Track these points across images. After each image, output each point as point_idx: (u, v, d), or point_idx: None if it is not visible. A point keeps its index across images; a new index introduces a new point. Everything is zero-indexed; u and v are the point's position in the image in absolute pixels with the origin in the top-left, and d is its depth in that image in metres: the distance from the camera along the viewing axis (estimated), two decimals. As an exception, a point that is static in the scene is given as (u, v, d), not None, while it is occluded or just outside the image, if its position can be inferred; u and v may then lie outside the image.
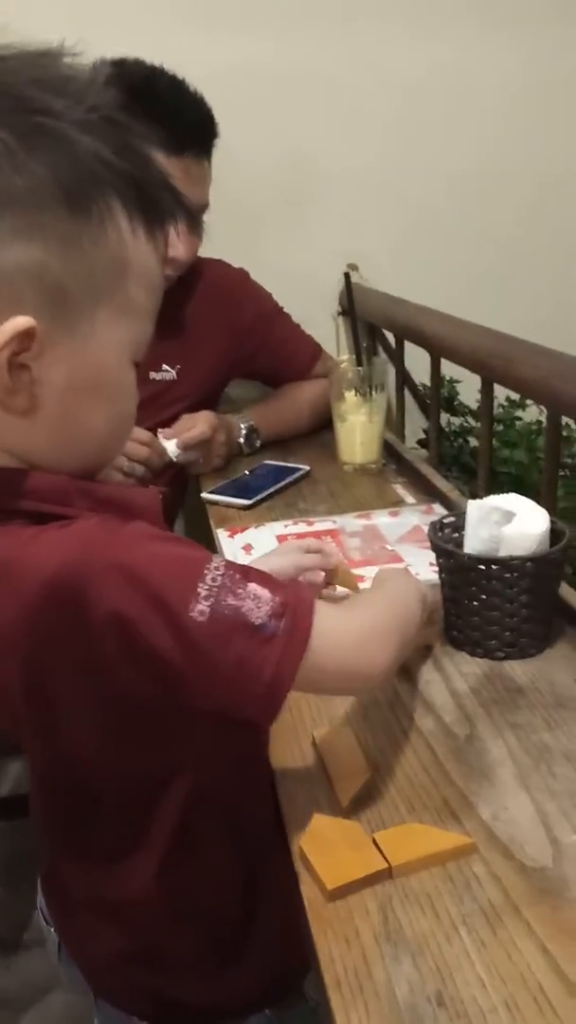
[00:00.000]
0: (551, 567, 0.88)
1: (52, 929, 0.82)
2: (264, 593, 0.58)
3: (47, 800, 0.73)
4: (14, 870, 1.62)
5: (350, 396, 1.43)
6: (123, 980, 0.77)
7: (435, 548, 0.91)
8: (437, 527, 0.94)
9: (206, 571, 0.57)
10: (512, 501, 0.93)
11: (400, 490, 1.38)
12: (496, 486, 1.29)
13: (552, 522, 0.89)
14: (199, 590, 0.56)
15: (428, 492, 1.34)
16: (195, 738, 0.64)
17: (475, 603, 0.88)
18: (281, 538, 1.20)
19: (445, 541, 0.93)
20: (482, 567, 0.86)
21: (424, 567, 1.08)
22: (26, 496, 0.59)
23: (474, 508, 0.94)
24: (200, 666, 0.57)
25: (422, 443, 1.71)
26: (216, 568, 0.58)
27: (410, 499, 1.34)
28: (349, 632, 0.65)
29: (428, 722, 0.80)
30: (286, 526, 1.24)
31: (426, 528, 1.20)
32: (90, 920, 0.76)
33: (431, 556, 1.09)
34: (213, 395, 1.57)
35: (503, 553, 0.87)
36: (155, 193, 0.60)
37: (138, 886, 0.71)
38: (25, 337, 0.55)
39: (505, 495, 0.96)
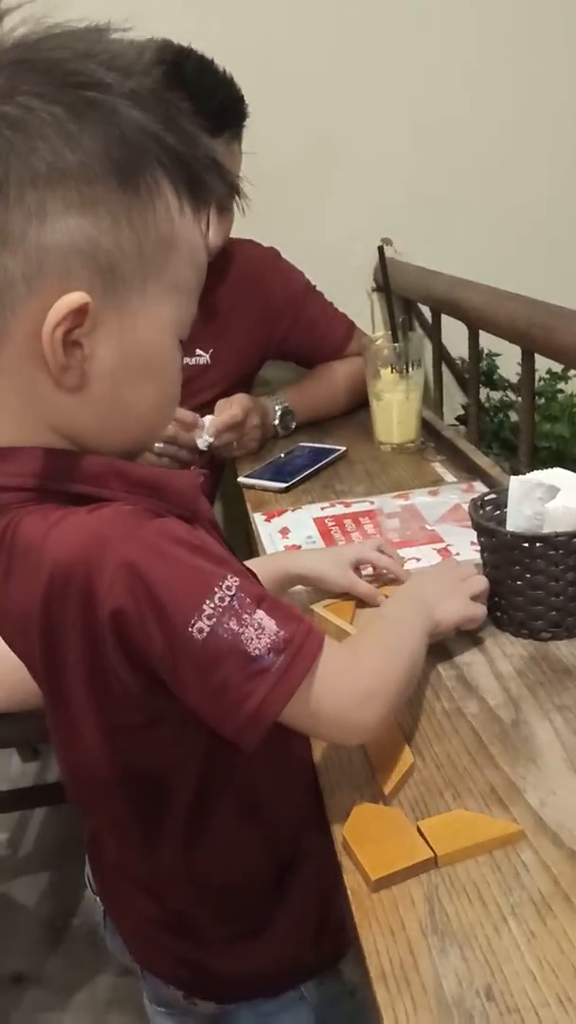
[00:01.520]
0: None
1: (97, 898, 0.83)
2: (270, 624, 0.57)
3: (67, 774, 0.73)
4: (63, 854, 1.65)
5: (386, 374, 1.40)
6: (157, 947, 0.77)
7: (477, 527, 0.89)
8: (478, 505, 0.91)
9: (216, 589, 0.56)
10: (556, 476, 0.90)
11: (439, 468, 1.35)
12: (537, 462, 1.25)
13: (598, 497, 0.85)
14: (204, 607, 0.55)
15: (468, 470, 1.31)
16: (199, 735, 0.63)
17: (519, 582, 0.85)
18: (318, 521, 1.19)
19: (487, 519, 0.90)
20: (526, 545, 0.83)
21: (465, 546, 1.06)
22: (63, 477, 0.58)
23: (517, 484, 0.91)
24: (187, 680, 0.57)
25: (461, 420, 1.67)
26: (228, 588, 0.56)
27: (450, 477, 1.31)
28: (355, 686, 0.63)
29: (472, 706, 0.78)
30: (323, 508, 1.23)
31: (467, 507, 1.17)
32: (124, 886, 0.77)
33: (472, 535, 1.06)
34: (247, 377, 1.55)
35: (547, 530, 0.84)
36: (201, 171, 0.59)
37: (162, 862, 0.71)
38: (79, 313, 0.54)
39: (549, 470, 0.93)
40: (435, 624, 0.79)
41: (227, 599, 0.56)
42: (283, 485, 1.32)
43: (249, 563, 0.96)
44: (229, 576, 0.57)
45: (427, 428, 1.47)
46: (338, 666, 0.61)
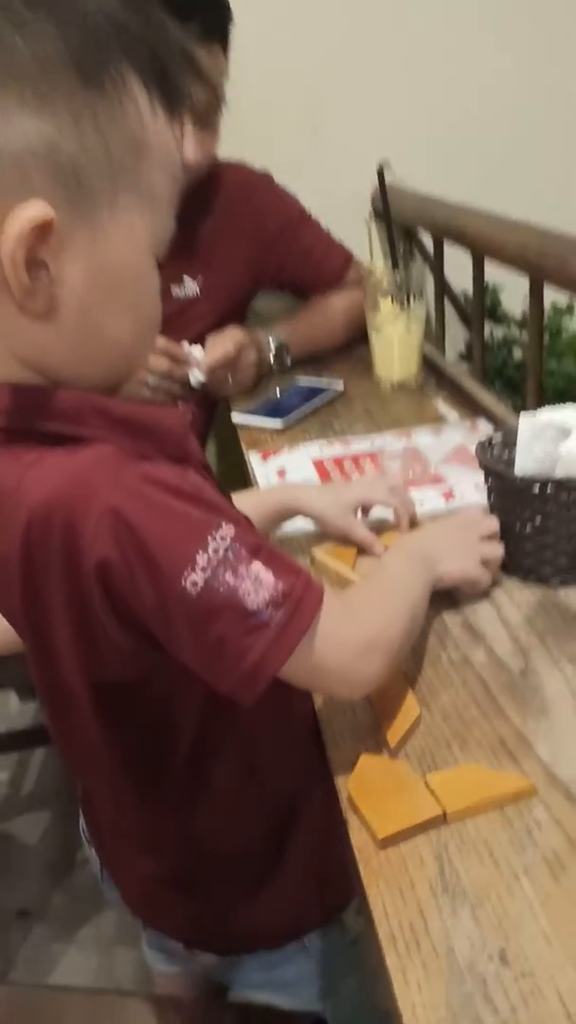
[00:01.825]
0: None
1: (93, 850, 0.82)
2: (267, 577, 0.54)
3: (56, 733, 0.70)
4: (64, 793, 1.65)
5: (386, 305, 1.34)
6: (156, 904, 0.76)
7: (485, 470, 0.85)
8: (486, 446, 0.87)
9: (210, 539, 0.52)
10: (569, 414, 0.86)
11: (442, 406, 1.30)
12: (542, 400, 1.21)
13: (613, 437, 0.81)
14: (198, 559, 0.52)
15: (472, 408, 1.27)
16: (195, 691, 0.60)
17: (529, 527, 0.82)
18: (316, 462, 1.14)
19: (495, 461, 0.86)
20: (537, 490, 0.79)
21: (470, 489, 1.02)
22: (35, 414, 0.53)
23: (526, 424, 0.86)
24: (180, 635, 0.54)
25: (464, 356, 1.61)
26: (222, 538, 0.53)
27: (453, 416, 1.26)
28: (355, 639, 0.60)
29: (479, 654, 0.75)
30: (321, 448, 1.18)
31: (471, 447, 1.13)
32: (121, 846, 0.76)
33: (478, 477, 1.02)
34: (239, 310, 1.49)
35: (560, 473, 0.80)
36: (175, 67, 0.53)
37: (159, 823, 0.69)
38: (43, 230, 0.49)
39: (560, 407, 0.88)
40: (437, 579, 0.76)
41: (222, 550, 0.52)
42: (279, 423, 1.27)
43: (245, 495, 0.92)
44: (223, 525, 0.53)
45: (428, 364, 1.42)
46: (338, 619, 0.58)
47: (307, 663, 0.57)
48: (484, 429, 1.19)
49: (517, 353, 1.57)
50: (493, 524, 0.83)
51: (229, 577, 0.52)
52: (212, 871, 0.72)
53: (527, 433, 0.86)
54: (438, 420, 1.25)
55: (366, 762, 0.63)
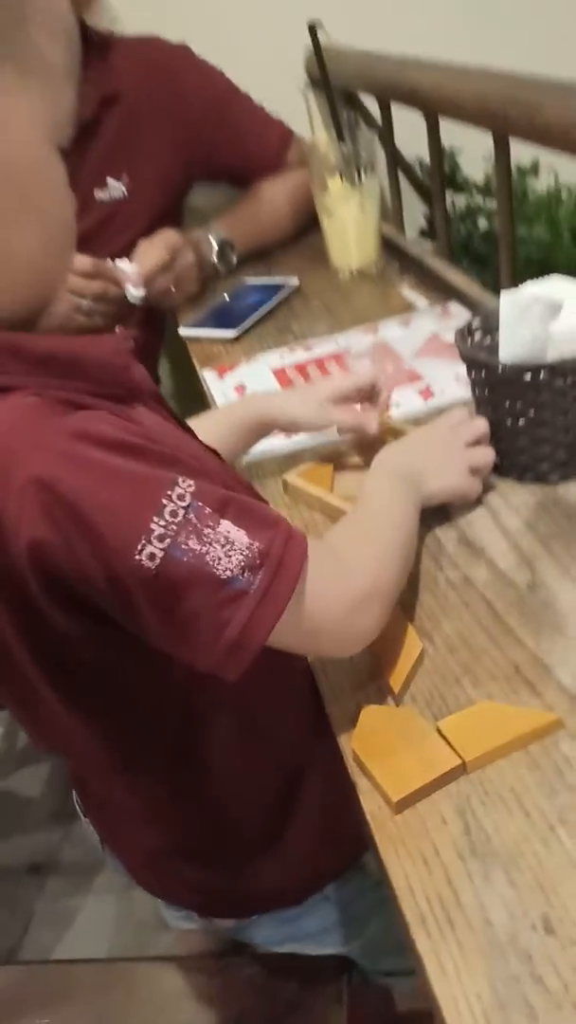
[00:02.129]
0: (610, 364, 0.71)
1: (88, 823, 0.77)
2: (239, 537, 0.45)
3: (25, 724, 0.63)
4: (58, 743, 1.60)
5: (335, 184, 1.21)
6: (164, 875, 0.71)
7: (467, 360, 0.75)
8: (465, 334, 0.77)
9: (166, 501, 0.44)
10: (555, 287, 0.75)
11: (408, 293, 1.19)
12: (516, 272, 1.09)
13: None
14: (153, 527, 0.43)
15: (441, 291, 1.15)
16: (171, 668, 0.52)
17: (521, 421, 0.73)
18: (278, 372, 1.04)
19: (477, 350, 0.76)
20: (528, 378, 0.70)
21: (450, 383, 0.92)
22: None
23: (509, 303, 0.76)
24: (142, 616, 0.45)
25: (424, 233, 1.48)
26: (180, 496, 0.44)
27: (421, 302, 1.15)
28: (348, 591, 0.53)
29: (480, 571, 0.68)
30: (282, 357, 1.07)
31: (446, 335, 1.03)
32: (119, 821, 0.70)
33: (457, 368, 0.92)
34: (173, 209, 1.34)
35: (552, 356, 0.71)
36: None
37: (156, 795, 0.64)
38: None
39: (544, 280, 0.78)
40: (425, 499, 0.68)
41: (181, 512, 0.43)
42: (233, 332, 1.16)
43: (207, 417, 0.82)
44: (181, 481, 0.44)
45: (388, 247, 1.29)
46: (326, 572, 0.50)
47: (297, 627, 0.49)
48: (458, 313, 1.08)
49: (483, 223, 1.43)
50: (479, 426, 0.74)
51: (193, 543, 0.44)
52: (218, 837, 0.66)
53: (510, 314, 0.76)
54: (406, 309, 1.14)
55: (369, 715, 0.56)
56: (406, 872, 0.48)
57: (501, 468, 0.77)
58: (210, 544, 0.44)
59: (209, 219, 1.33)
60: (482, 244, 1.39)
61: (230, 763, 0.62)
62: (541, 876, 0.46)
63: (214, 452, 0.61)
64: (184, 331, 1.19)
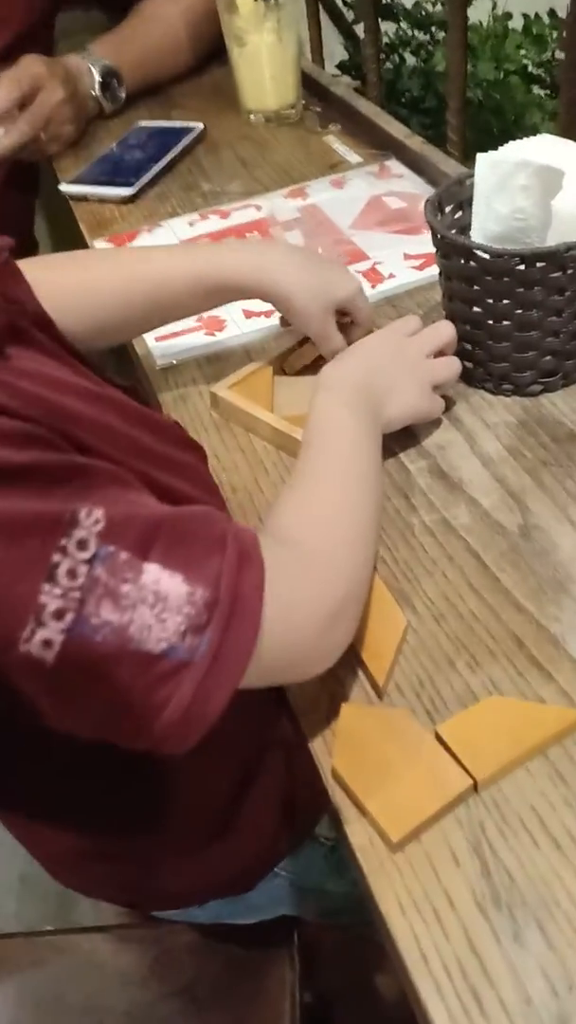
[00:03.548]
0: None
1: None
2: (175, 587, 0.32)
3: None
4: None
5: (245, 4, 0.97)
6: (87, 875, 0.62)
7: (442, 245, 0.60)
8: (435, 206, 0.62)
9: (59, 556, 0.30)
10: (544, 150, 0.61)
11: (336, 144, 1.00)
12: (465, 120, 0.92)
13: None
14: (43, 599, 0.30)
15: (375, 143, 0.97)
16: None
17: (506, 322, 0.60)
18: (188, 243, 0.85)
19: (448, 228, 0.61)
20: (521, 268, 0.56)
21: (397, 262, 0.77)
22: None
23: (486, 167, 0.61)
24: (44, 710, 0.33)
25: (346, 70, 1.26)
26: (82, 544, 0.30)
27: (353, 156, 0.97)
28: (319, 610, 0.40)
29: (460, 512, 0.56)
30: (192, 224, 0.88)
31: (389, 201, 0.87)
32: (30, 821, 0.58)
33: (405, 245, 0.78)
34: (36, 30, 1.06)
35: (553, 239, 0.57)
36: None
37: (73, 801, 0.53)
38: None
39: (528, 140, 0.63)
40: (384, 426, 0.55)
41: (84, 569, 0.30)
42: (128, 190, 0.95)
43: (160, 256, 0.62)
44: (83, 515, 0.31)
45: (309, 86, 1.08)
46: (290, 590, 0.38)
47: (260, 670, 0.37)
48: (399, 172, 0.91)
49: (411, 59, 1.23)
50: (444, 333, 0.60)
51: (108, 611, 0.30)
52: (152, 838, 0.56)
53: (487, 180, 0.61)
54: (335, 165, 0.96)
55: (351, 717, 0.45)
56: (416, 933, 0.38)
57: (472, 376, 0.64)
58: (132, 609, 0.31)
59: (87, 43, 1.07)
60: (414, 84, 1.19)
61: (177, 763, 0.50)
62: (583, 930, 0.37)
63: (129, 389, 0.46)
64: (66, 188, 0.97)
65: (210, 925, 0.71)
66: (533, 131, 1.10)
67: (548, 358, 0.61)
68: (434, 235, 0.60)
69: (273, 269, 0.59)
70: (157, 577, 0.32)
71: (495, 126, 1.00)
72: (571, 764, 0.42)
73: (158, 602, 0.31)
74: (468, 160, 0.89)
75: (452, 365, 0.60)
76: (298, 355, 0.67)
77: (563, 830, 0.40)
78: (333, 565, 0.42)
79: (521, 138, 0.64)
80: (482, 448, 0.60)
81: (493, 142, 0.63)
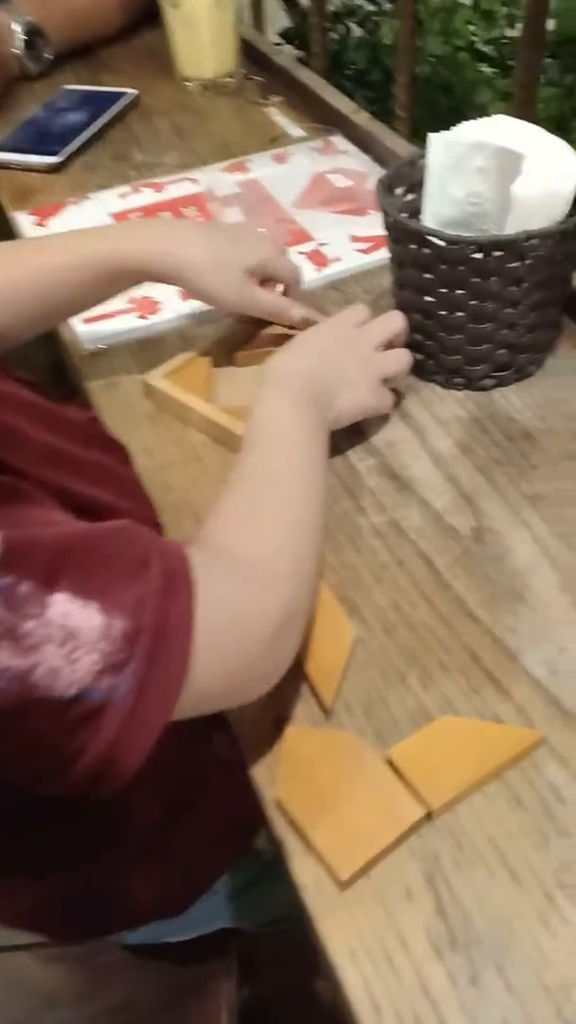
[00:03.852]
0: (573, 241, 0.56)
1: None
2: (88, 619, 0.28)
3: None
4: None
5: (183, -39, 0.92)
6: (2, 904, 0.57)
7: (395, 229, 0.56)
8: (386, 187, 0.58)
9: None
10: (501, 130, 0.58)
11: (278, 116, 0.95)
12: (413, 96, 0.89)
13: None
14: None
15: (320, 116, 0.93)
16: None
17: (459, 313, 0.56)
18: (119, 217, 0.80)
19: (396, 207, 0.58)
20: (478, 256, 0.53)
21: (343, 245, 0.74)
22: None
23: (441, 148, 0.58)
24: None
25: (287, 38, 1.21)
26: None
27: (296, 130, 0.92)
28: (262, 631, 0.36)
29: (411, 514, 0.53)
30: (124, 197, 0.83)
31: (333, 178, 0.83)
32: None
33: (351, 225, 0.75)
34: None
35: (513, 226, 0.54)
36: None
37: None
38: None
39: (483, 121, 0.60)
40: (331, 423, 0.52)
41: None
42: (53, 159, 0.88)
43: (51, 245, 0.57)
44: None
45: (249, 54, 1.03)
46: (225, 608, 0.34)
47: (194, 698, 0.33)
48: (344, 149, 0.87)
49: (357, 30, 1.18)
50: (394, 324, 0.57)
51: (7, 656, 0.27)
52: (79, 868, 0.52)
53: (441, 160, 0.58)
54: (277, 139, 0.91)
55: (295, 741, 0.42)
56: (366, 978, 0.35)
57: (423, 369, 0.61)
58: (37, 650, 0.27)
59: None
60: (359, 56, 1.15)
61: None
62: (545, 972, 0.35)
63: (36, 384, 0.41)
64: (-14, 154, 0.90)
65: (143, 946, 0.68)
66: (483, 111, 1.08)
67: (502, 351, 0.59)
68: (386, 219, 0.56)
69: (174, 248, 0.55)
70: (66, 610, 0.28)
71: (443, 104, 0.97)
72: (529, 788, 0.40)
73: (68, 639, 0.27)
74: (416, 139, 0.86)
75: (402, 358, 0.57)
76: (251, 355, 0.63)
77: (522, 860, 0.38)
78: (275, 578, 0.38)
79: (472, 118, 0.61)
80: (433, 445, 0.57)
81: (441, 121, 0.60)
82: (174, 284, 0.58)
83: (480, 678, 0.45)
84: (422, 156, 0.59)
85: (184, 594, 0.32)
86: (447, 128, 0.59)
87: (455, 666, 0.45)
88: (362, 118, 0.88)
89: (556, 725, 0.42)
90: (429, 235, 0.53)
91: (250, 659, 0.36)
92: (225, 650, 0.34)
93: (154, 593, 0.30)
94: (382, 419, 0.59)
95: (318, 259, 0.72)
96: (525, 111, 0.70)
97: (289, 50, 1.17)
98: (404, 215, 0.58)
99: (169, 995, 0.69)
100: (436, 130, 0.58)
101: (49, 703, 0.28)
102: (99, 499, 0.43)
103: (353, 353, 0.54)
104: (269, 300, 0.59)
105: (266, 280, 0.60)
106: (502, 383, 0.60)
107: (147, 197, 0.82)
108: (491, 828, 0.39)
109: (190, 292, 0.58)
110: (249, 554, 0.38)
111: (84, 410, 0.58)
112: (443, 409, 0.60)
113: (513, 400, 0.60)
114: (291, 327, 0.61)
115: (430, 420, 0.59)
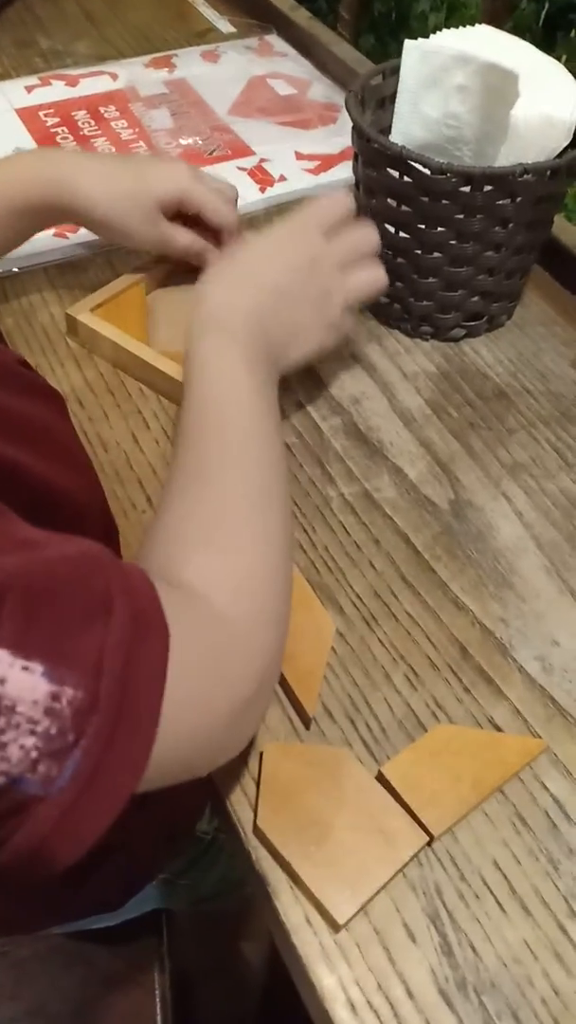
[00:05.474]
0: (563, 179, 0.50)
1: None
2: (30, 688, 0.21)
3: None
4: None
5: None
6: None
7: (366, 151, 0.49)
8: (358, 99, 0.50)
9: None
10: (485, 42, 0.50)
11: (205, 9, 0.83)
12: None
13: None
14: None
15: (254, 11, 0.82)
16: None
17: (437, 254, 0.50)
18: (27, 114, 0.68)
19: (369, 128, 0.50)
20: (465, 189, 0.46)
21: (288, 162, 0.65)
22: None
23: (416, 58, 0.50)
24: None
25: None
26: None
27: (226, 26, 0.81)
28: (241, 695, 0.30)
29: (383, 483, 0.48)
30: (30, 89, 0.70)
31: (274, 84, 0.73)
32: None
33: (296, 140, 0.67)
34: None
35: (507, 156, 0.47)
36: None
37: None
38: None
39: (465, 30, 0.52)
40: (281, 371, 0.43)
41: None
42: None
43: None
44: None
45: None
46: (202, 667, 0.28)
47: (161, 772, 0.26)
48: (283, 51, 0.77)
49: None
50: (371, 238, 0.47)
51: None
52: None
53: (416, 73, 0.51)
54: (204, 33, 0.80)
55: (275, 760, 0.36)
56: (369, 1035, 0.31)
57: (389, 314, 0.55)
58: None
59: None
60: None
61: None
62: (563, 1017, 0.32)
63: None
64: None
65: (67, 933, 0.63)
66: (422, 19, 0.99)
67: (476, 299, 0.53)
68: (360, 138, 0.48)
69: (71, 179, 0.47)
70: (1, 675, 0.21)
71: (378, 8, 0.88)
72: (532, 805, 0.36)
73: (6, 712, 0.21)
74: (358, 45, 0.77)
75: (377, 280, 0.47)
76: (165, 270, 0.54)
77: (531, 890, 0.34)
78: (254, 629, 0.31)
79: (413, 27, 0.53)
80: (402, 403, 0.51)
81: (381, 28, 0.52)
82: (74, 221, 0.49)
83: (472, 676, 0.40)
84: (395, 68, 0.51)
85: (156, 648, 0.24)
86: (387, 36, 0.51)
87: (444, 663, 0.41)
88: (301, 16, 0.79)
89: (554, 729, 0.38)
90: (412, 160, 0.46)
91: (219, 731, 0.29)
92: (193, 723, 0.27)
93: (118, 645, 0.23)
94: (344, 368, 0.52)
95: (261, 177, 0.63)
96: (496, 21, 0.63)
97: None
98: (374, 130, 0.50)
99: (94, 991, 0.64)
100: (377, 38, 0.50)
101: None
102: (39, 472, 0.34)
103: (315, 279, 0.44)
104: (185, 239, 0.50)
105: (190, 216, 0.51)
106: (472, 333, 0.55)
107: (58, 91, 0.70)
108: (496, 852, 0.35)
109: (93, 229, 0.49)
110: (222, 597, 0.30)
111: (5, 348, 0.49)
112: (409, 361, 0.54)
113: (484, 353, 0.55)
114: None
115: (396, 374, 0.53)
